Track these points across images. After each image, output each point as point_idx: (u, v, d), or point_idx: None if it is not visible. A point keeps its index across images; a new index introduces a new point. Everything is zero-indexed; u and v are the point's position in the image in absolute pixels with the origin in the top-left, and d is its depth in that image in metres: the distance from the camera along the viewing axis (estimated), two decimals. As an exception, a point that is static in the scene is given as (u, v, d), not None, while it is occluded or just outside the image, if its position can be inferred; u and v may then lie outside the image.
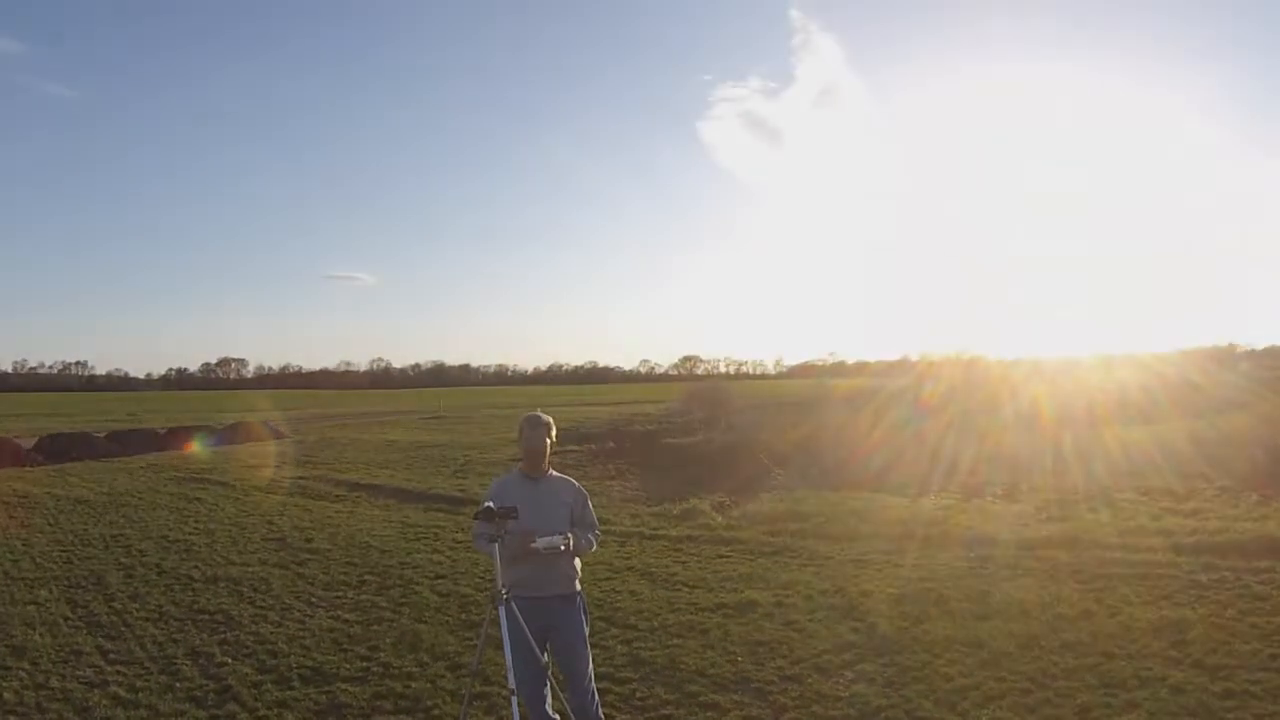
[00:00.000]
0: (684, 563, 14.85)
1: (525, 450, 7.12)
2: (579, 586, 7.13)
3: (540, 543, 6.64)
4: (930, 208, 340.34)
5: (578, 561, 7.11)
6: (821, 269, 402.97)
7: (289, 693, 9.34)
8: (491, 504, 6.56)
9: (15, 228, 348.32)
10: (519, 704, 6.43)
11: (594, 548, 7.20)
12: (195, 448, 41.05)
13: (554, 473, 7.23)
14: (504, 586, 6.54)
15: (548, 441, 7.09)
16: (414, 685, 9.39)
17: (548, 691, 6.97)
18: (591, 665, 7.20)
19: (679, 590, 12.92)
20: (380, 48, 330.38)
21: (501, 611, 6.49)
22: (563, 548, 6.75)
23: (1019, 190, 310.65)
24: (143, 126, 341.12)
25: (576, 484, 7.30)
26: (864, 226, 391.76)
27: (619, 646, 10.33)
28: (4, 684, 9.74)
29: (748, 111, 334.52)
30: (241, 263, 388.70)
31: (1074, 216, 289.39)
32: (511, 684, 6.37)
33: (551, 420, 7.20)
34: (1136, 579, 12.25)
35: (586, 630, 7.12)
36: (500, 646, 6.57)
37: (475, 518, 6.62)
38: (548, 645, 6.96)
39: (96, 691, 9.51)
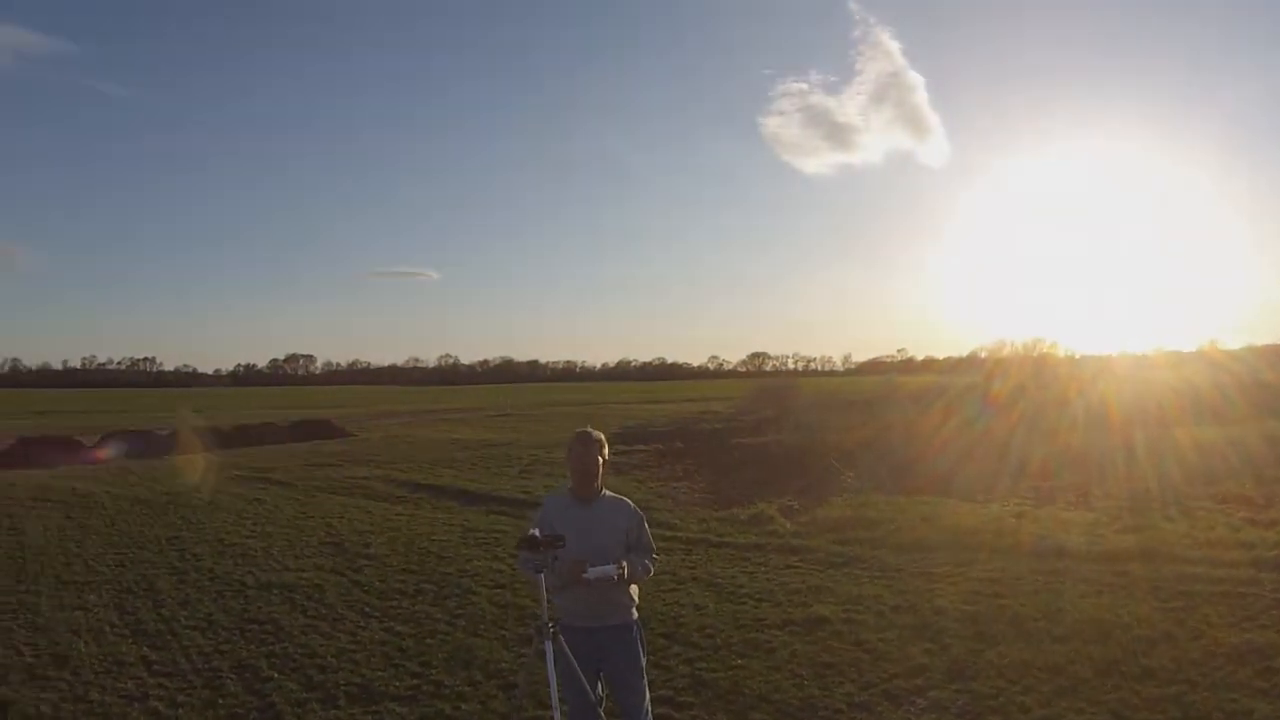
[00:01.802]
0: (751, 573, 14.54)
1: (574, 470, 6.74)
2: (635, 615, 6.80)
3: (591, 573, 6.31)
4: (993, 201, 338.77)
5: (633, 588, 6.77)
6: (888, 264, 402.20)
7: (334, 712, 9.20)
8: (536, 532, 6.19)
9: (80, 227, 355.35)
10: None
11: (650, 574, 6.80)
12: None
13: (607, 493, 6.84)
14: (550, 620, 6.22)
15: (600, 460, 6.71)
16: (464, 707, 9.19)
17: (601, 727, 6.61)
18: (648, 698, 6.87)
19: (745, 604, 12.60)
20: (444, 47, 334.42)
21: (548, 646, 6.17)
22: (615, 578, 6.40)
23: (1083, 183, 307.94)
24: (202, 125, 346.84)
25: (632, 505, 6.89)
26: (929, 220, 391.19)
27: (680, 666, 10.05)
28: (43, 696, 9.68)
29: (809, 106, 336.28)
30: (307, 260, 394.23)
31: (1141, 210, 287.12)
32: None
33: (604, 437, 6.83)
34: (1219, 597, 11.79)
35: (643, 661, 6.78)
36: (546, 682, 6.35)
37: (519, 546, 6.24)
38: (600, 677, 6.65)
39: (136, 706, 9.40)
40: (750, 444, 37.01)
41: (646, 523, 6.92)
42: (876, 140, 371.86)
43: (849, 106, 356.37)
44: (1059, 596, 12.13)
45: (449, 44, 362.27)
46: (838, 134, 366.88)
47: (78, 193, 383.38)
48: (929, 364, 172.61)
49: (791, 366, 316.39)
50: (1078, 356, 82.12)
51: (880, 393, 59.56)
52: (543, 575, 6.16)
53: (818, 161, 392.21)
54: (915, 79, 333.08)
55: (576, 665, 6.29)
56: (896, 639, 10.62)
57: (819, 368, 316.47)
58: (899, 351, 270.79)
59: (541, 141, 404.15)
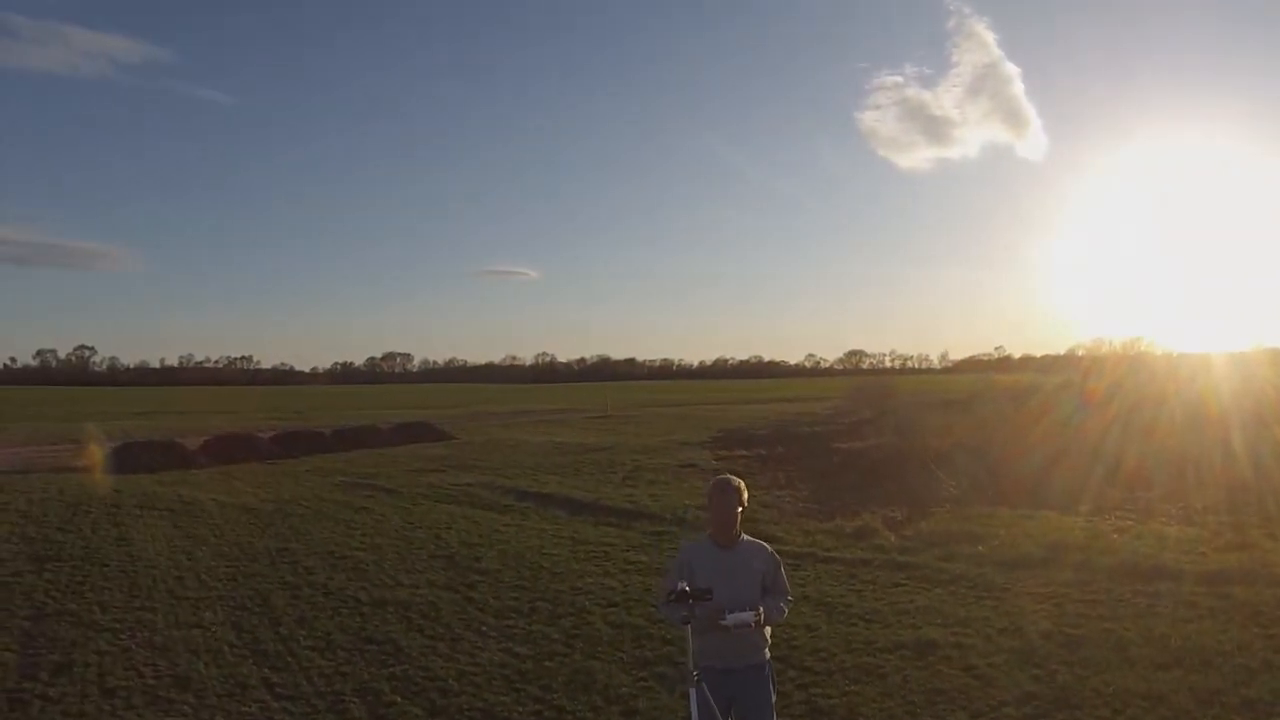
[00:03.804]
0: (859, 591, 14.72)
1: (715, 519, 7.00)
2: (767, 655, 7.01)
3: (730, 619, 6.51)
4: (1092, 196, 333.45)
5: (768, 629, 6.99)
6: (985, 260, 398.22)
7: None
8: (685, 586, 6.34)
9: (177, 230, 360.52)
10: None
11: (784, 615, 7.04)
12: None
13: (746, 538, 7.07)
14: (696, 669, 6.39)
15: (739, 509, 6.94)
16: None
17: (729, 762, 6.83)
18: None
19: (855, 625, 12.77)
20: (541, 47, 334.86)
21: (693, 694, 6.32)
22: (753, 625, 6.61)
23: (1184, 178, 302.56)
24: (303, 130, 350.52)
25: (769, 549, 7.12)
26: (1027, 215, 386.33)
27: (796, 692, 10.18)
28: None
29: (905, 99, 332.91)
30: (404, 259, 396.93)
31: (1243, 205, 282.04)
32: None
33: (742, 484, 7.04)
34: (1321, 622, 11.80)
35: (773, 698, 7.00)
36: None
37: (669, 599, 6.38)
38: (730, 713, 6.83)
39: None
40: (850, 448, 37.16)
41: (783, 566, 7.16)
42: (973, 134, 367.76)
43: (945, 99, 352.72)
44: (1161, 620, 12.25)
45: (551, 51, 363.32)
46: (934, 128, 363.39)
47: (174, 195, 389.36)
48: (1026, 362, 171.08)
49: (888, 364, 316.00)
50: (1176, 354, 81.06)
51: (976, 391, 59.24)
52: (689, 628, 6.33)
53: (914, 156, 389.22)
54: (1011, 70, 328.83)
55: (716, 709, 6.46)
56: (1004, 664, 10.77)
57: (916, 365, 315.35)
58: (996, 349, 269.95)
59: (639, 141, 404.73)
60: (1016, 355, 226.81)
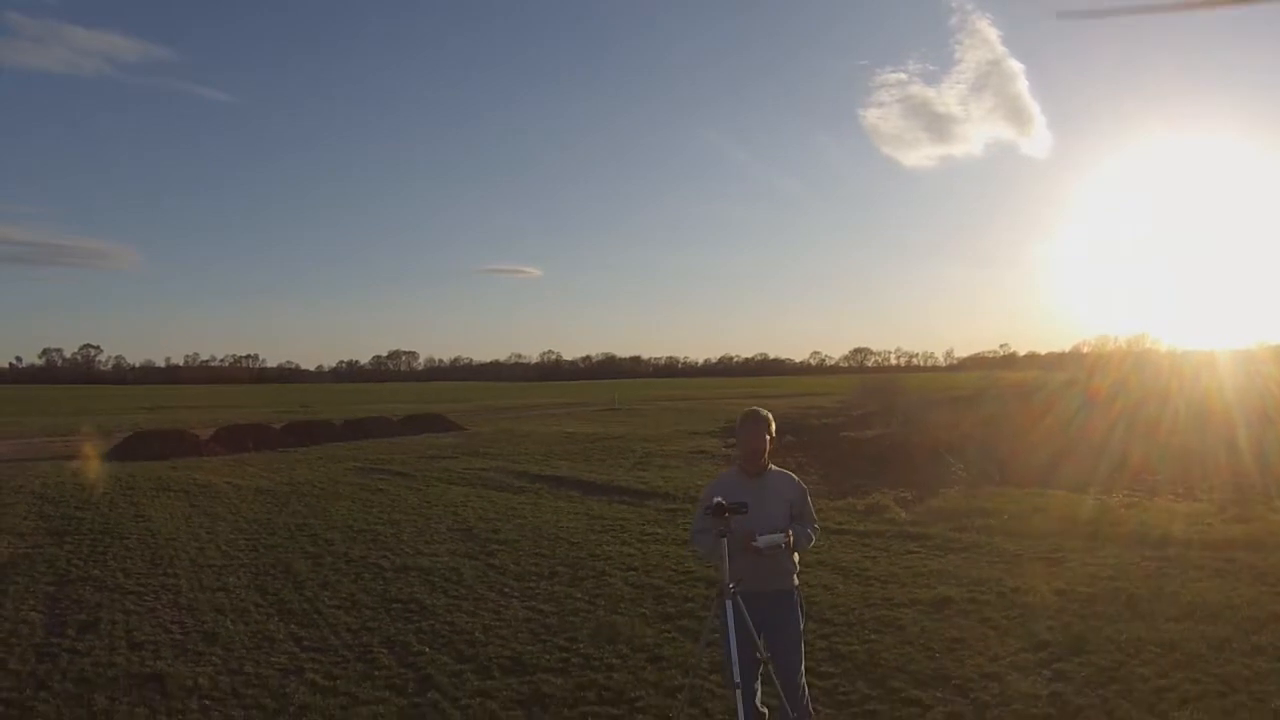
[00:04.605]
0: (874, 558, 14.88)
1: (744, 448, 7.27)
2: (796, 582, 7.27)
3: (761, 541, 6.74)
4: (1097, 193, 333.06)
5: (796, 556, 7.20)
6: (989, 258, 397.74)
7: (490, 682, 9.48)
8: (720, 500, 6.60)
9: (181, 229, 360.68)
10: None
11: (813, 542, 7.29)
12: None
13: (774, 468, 7.31)
14: (732, 582, 6.65)
15: (767, 438, 7.15)
16: (616, 676, 9.51)
17: (759, 685, 7.09)
18: (804, 661, 7.30)
19: (872, 585, 12.98)
20: (541, 47, 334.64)
21: (728, 606, 6.60)
22: (783, 545, 6.85)
23: (1188, 175, 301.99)
24: (307, 128, 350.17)
25: (796, 479, 7.36)
26: (1031, 213, 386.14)
27: (817, 641, 10.33)
28: (199, 670, 10.01)
29: (908, 96, 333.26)
30: (408, 258, 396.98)
31: (1248, 202, 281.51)
32: (736, 678, 6.44)
33: (770, 416, 7.26)
34: (1325, 583, 12.05)
35: (802, 625, 7.25)
36: (717, 639, 6.86)
37: (706, 512, 6.68)
38: (761, 639, 7.01)
39: (293, 678, 9.76)
40: (859, 438, 37.36)
41: (809, 495, 7.41)
42: (977, 131, 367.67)
43: (948, 96, 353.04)
44: (1170, 580, 12.46)
45: (553, 49, 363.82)
46: (937, 125, 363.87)
47: (177, 193, 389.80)
48: (1031, 359, 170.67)
49: (894, 362, 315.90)
50: (1180, 351, 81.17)
51: (982, 388, 59.33)
52: (725, 541, 6.62)
53: (918, 154, 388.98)
54: (1015, 67, 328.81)
55: (751, 624, 6.78)
56: (1020, 617, 10.99)
57: (921, 363, 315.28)
58: (1001, 346, 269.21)
59: (641, 138, 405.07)
60: (1021, 352, 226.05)
